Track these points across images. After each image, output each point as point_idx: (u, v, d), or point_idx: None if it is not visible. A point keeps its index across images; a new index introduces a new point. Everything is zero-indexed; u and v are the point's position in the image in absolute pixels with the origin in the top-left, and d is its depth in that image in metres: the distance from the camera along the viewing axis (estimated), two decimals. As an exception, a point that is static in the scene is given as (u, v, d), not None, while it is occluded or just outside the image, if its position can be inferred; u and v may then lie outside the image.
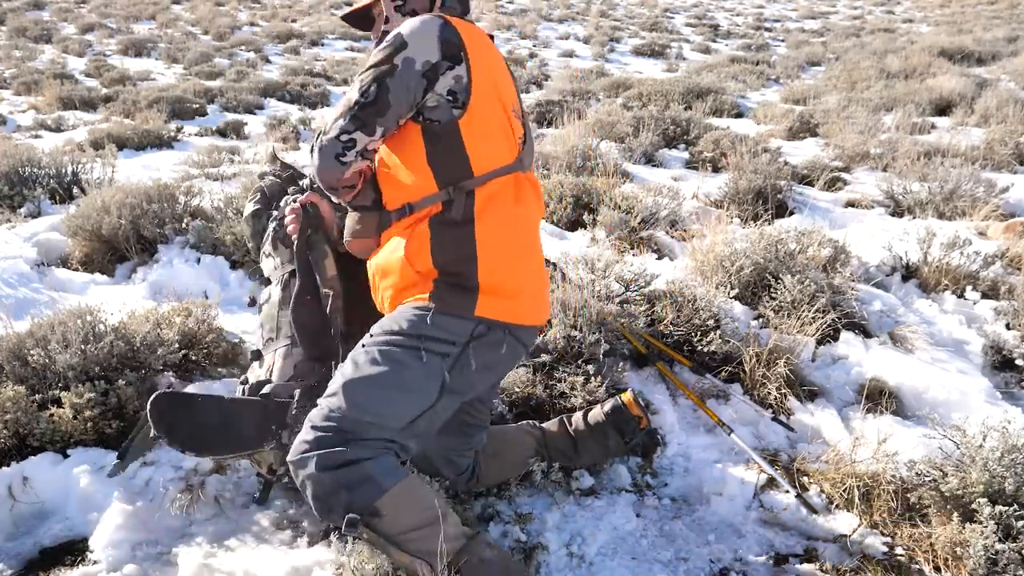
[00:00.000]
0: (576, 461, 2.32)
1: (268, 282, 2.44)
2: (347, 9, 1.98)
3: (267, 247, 2.45)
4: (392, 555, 1.70)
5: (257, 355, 2.26)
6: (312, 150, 1.81)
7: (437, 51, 1.71)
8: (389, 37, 1.75)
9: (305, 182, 2.58)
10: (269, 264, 2.43)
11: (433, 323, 1.75)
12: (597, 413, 2.34)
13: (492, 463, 2.21)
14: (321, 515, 1.70)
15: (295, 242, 2.16)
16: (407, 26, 1.74)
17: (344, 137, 1.75)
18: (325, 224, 2.16)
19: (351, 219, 1.91)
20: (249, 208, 2.62)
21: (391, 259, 1.83)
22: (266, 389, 2.14)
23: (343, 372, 1.79)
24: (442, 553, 1.66)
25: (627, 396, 2.36)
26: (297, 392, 2.09)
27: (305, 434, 1.72)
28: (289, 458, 1.72)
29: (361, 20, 2.02)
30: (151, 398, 1.99)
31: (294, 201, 2.19)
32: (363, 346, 1.81)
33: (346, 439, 1.69)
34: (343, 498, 1.65)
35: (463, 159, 1.77)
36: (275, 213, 2.51)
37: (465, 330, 1.77)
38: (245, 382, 2.24)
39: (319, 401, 1.78)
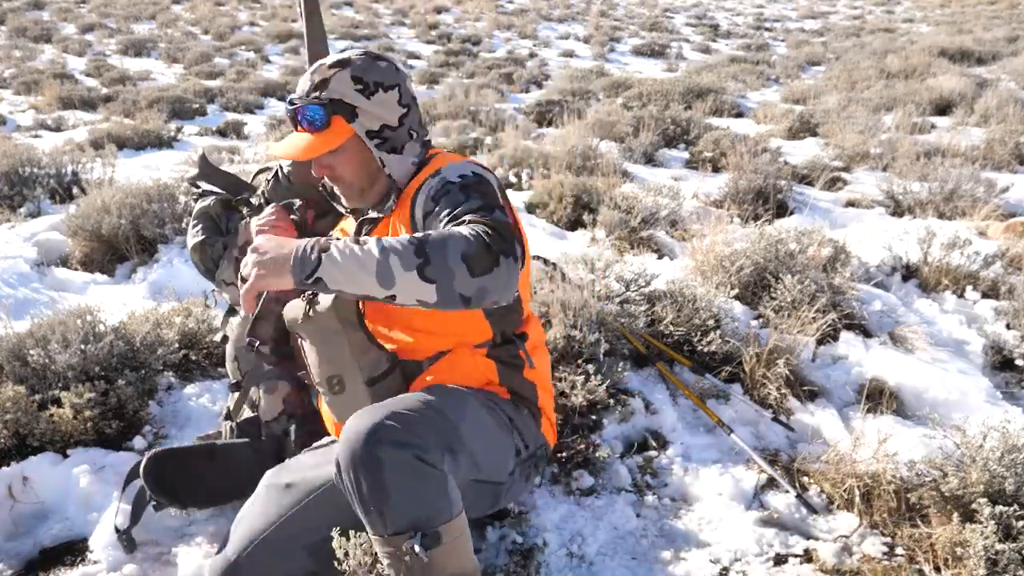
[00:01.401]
0: None
1: (233, 311, 2.34)
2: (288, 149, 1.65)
3: (226, 275, 2.26)
4: None
5: (236, 387, 2.12)
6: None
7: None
8: (463, 178, 1.55)
9: (256, 199, 2.29)
10: (233, 293, 2.26)
11: (522, 419, 1.77)
12: None
13: None
14: (374, 508, 1.41)
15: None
16: (468, 166, 1.61)
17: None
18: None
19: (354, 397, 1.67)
20: (194, 238, 2.33)
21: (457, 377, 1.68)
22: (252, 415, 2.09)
23: (458, 401, 1.60)
24: None
25: None
26: (292, 428, 2.04)
27: (389, 410, 1.46)
28: (359, 427, 1.43)
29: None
30: (143, 467, 1.91)
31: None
32: (456, 394, 1.63)
33: (440, 444, 1.47)
34: (412, 504, 1.41)
35: (519, 306, 1.78)
36: (228, 238, 2.30)
37: (535, 441, 1.82)
38: (229, 417, 2.17)
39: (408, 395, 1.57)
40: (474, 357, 1.73)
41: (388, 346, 1.71)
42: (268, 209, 2.02)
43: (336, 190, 1.75)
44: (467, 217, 1.44)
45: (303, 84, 1.64)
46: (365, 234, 1.76)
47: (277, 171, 2.24)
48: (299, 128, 1.64)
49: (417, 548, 1.39)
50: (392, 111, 1.65)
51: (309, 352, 1.72)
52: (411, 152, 1.71)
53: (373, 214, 1.76)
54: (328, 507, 1.68)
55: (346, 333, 1.64)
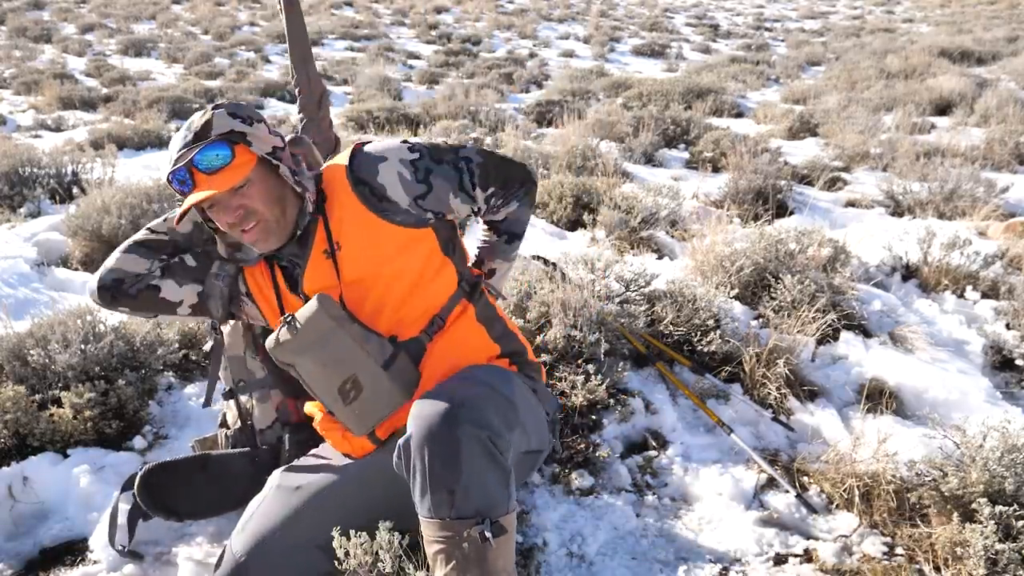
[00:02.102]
0: None
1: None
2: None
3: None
4: None
5: (230, 394, 2.11)
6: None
7: None
8: (410, 157, 1.72)
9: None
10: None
11: (539, 387, 1.86)
12: None
13: None
14: (444, 487, 1.40)
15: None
16: (386, 144, 1.74)
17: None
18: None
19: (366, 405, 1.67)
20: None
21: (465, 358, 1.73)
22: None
23: (505, 375, 1.65)
24: None
25: None
26: (286, 435, 2.03)
27: (457, 392, 1.50)
28: (435, 405, 1.46)
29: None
30: (136, 484, 1.91)
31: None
32: (500, 370, 1.70)
33: (506, 425, 1.51)
34: (481, 489, 1.41)
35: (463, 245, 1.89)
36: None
37: (553, 405, 1.91)
38: (224, 424, 2.17)
39: (469, 382, 1.57)
40: (467, 324, 1.77)
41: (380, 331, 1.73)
42: None
43: (247, 237, 1.65)
44: (481, 177, 1.76)
45: (180, 142, 1.61)
46: (295, 272, 1.75)
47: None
48: (199, 179, 1.57)
49: (488, 533, 1.38)
50: (271, 137, 1.67)
51: (310, 371, 1.66)
52: (300, 174, 1.72)
53: (290, 250, 1.73)
54: (340, 507, 1.70)
55: (343, 327, 1.63)
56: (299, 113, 2.36)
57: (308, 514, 1.69)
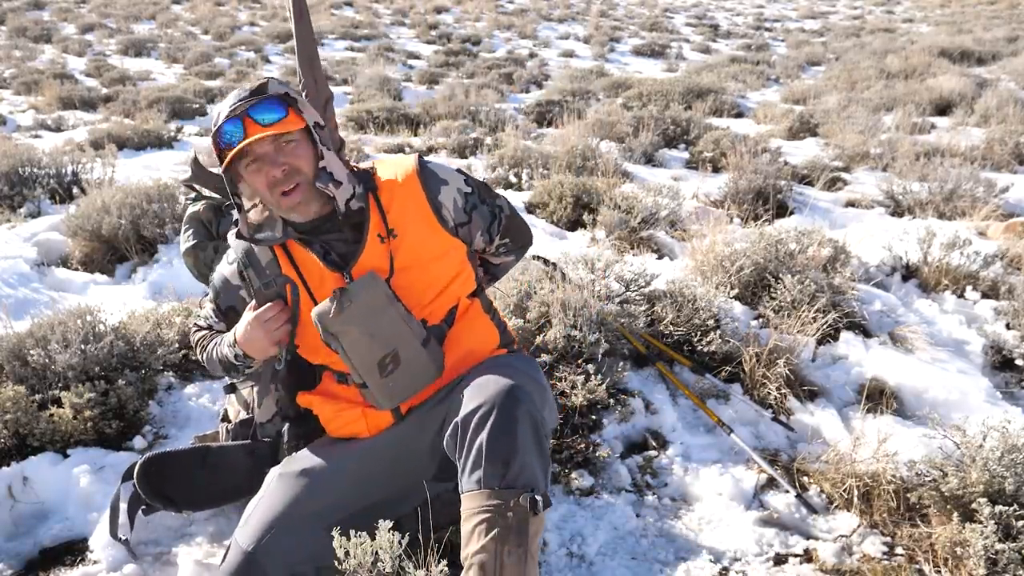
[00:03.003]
0: None
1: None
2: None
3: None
4: (519, 564, 1.47)
5: (231, 388, 2.14)
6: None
7: None
8: (465, 189, 1.85)
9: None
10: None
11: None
12: None
13: None
14: (500, 457, 1.49)
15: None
16: (448, 170, 1.87)
17: None
18: None
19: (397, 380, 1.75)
20: (186, 242, 2.39)
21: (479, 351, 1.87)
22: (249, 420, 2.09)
23: (534, 364, 1.83)
24: None
25: None
26: (285, 428, 2.04)
27: (515, 376, 1.62)
28: (502, 382, 1.58)
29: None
30: (136, 472, 1.93)
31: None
32: (529, 359, 1.89)
33: (548, 411, 1.69)
34: (531, 465, 1.51)
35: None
36: (219, 242, 2.33)
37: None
38: (226, 419, 2.18)
39: (513, 371, 1.66)
40: (476, 314, 1.89)
41: None
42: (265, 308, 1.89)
43: (288, 200, 1.67)
44: (505, 228, 1.95)
45: (235, 98, 1.65)
46: (330, 256, 1.77)
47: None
48: (250, 129, 1.61)
49: (539, 498, 1.47)
50: (317, 115, 1.75)
51: (357, 341, 1.70)
52: (332, 152, 1.77)
53: (333, 232, 1.77)
54: (344, 485, 1.75)
55: (393, 305, 1.72)
56: None
57: (312, 495, 1.73)
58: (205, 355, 1.95)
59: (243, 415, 2.12)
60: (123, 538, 1.97)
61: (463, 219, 1.84)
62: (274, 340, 1.78)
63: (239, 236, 1.78)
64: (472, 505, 1.50)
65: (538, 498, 1.48)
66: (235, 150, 1.60)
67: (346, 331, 1.70)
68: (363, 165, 1.87)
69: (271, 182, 1.64)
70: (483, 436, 1.52)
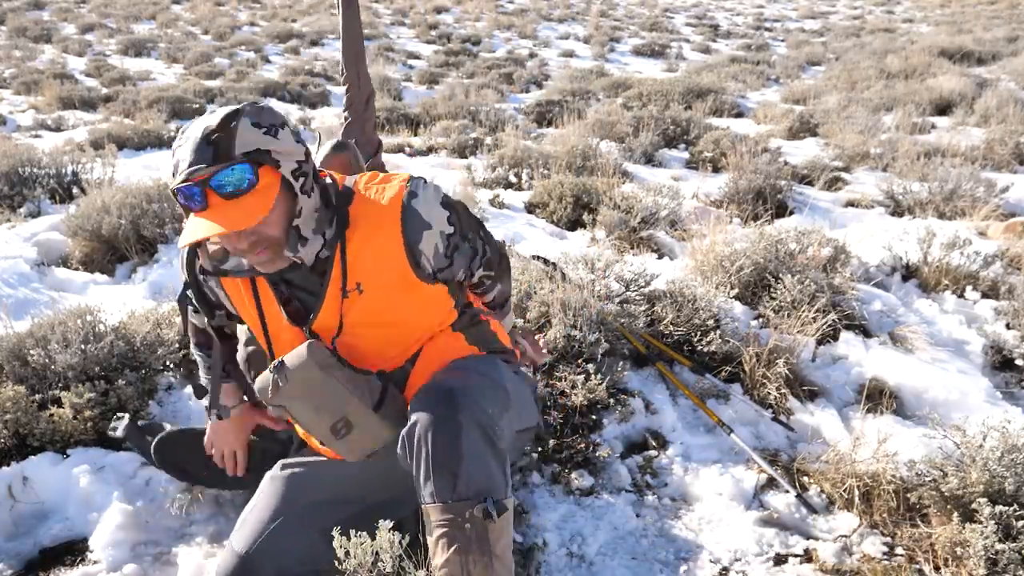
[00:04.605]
0: None
1: None
2: None
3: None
4: (481, 567, 1.45)
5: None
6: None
7: None
8: (447, 231, 1.65)
9: None
10: None
11: (522, 370, 1.90)
12: None
13: None
14: (447, 469, 1.44)
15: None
16: (434, 206, 1.64)
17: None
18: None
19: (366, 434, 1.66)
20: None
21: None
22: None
23: (491, 361, 1.70)
24: None
25: None
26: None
27: (453, 382, 1.54)
28: (436, 394, 1.51)
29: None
30: (153, 447, 2.02)
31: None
32: (485, 357, 1.74)
33: (500, 411, 1.56)
34: (481, 471, 1.45)
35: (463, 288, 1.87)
36: None
37: (531, 384, 1.94)
38: None
39: (470, 374, 1.60)
40: (443, 336, 1.75)
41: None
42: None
43: (253, 259, 1.52)
44: (487, 261, 1.82)
45: (193, 154, 1.39)
46: (294, 302, 1.68)
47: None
48: (213, 202, 1.39)
49: (491, 509, 1.42)
50: (298, 146, 1.51)
51: (300, 414, 1.64)
52: (317, 193, 1.57)
53: (298, 277, 1.63)
54: (336, 490, 1.74)
55: (331, 375, 1.59)
56: (344, 111, 2.32)
57: (305, 498, 1.71)
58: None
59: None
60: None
61: (443, 264, 1.68)
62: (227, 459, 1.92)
63: (202, 271, 1.66)
64: (431, 519, 1.47)
65: (491, 510, 1.42)
66: (201, 237, 1.39)
67: (287, 405, 1.63)
68: (349, 182, 1.67)
69: (237, 250, 1.50)
70: (428, 449, 1.45)
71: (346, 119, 2.27)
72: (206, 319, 1.85)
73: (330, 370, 1.59)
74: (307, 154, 1.53)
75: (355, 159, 1.91)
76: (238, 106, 1.45)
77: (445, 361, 1.71)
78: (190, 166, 1.39)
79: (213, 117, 1.42)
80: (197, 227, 1.40)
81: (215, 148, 1.39)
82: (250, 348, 1.92)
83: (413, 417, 1.50)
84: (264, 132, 1.43)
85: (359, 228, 1.59)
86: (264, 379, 1.61)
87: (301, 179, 1.50)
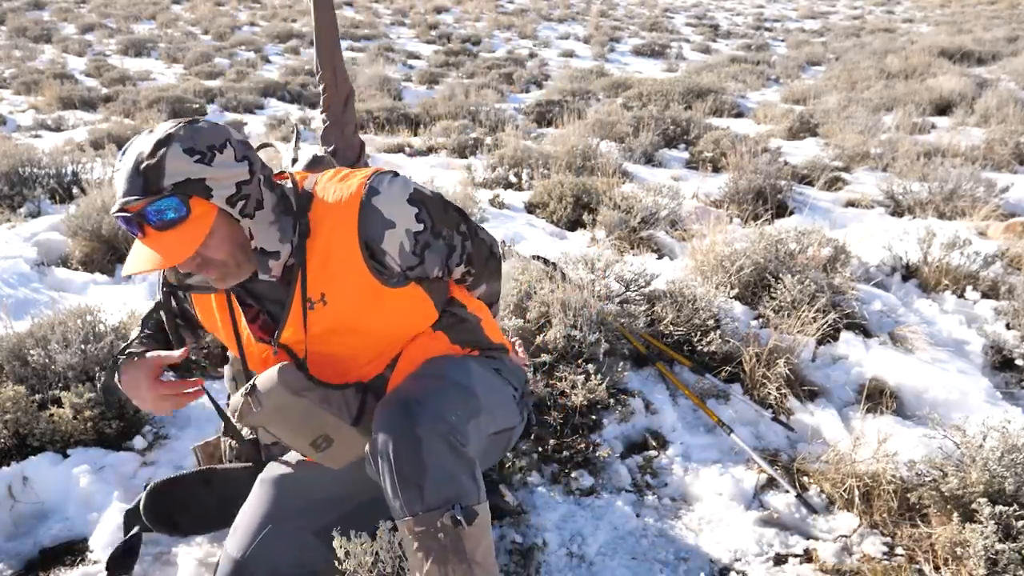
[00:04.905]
0: None
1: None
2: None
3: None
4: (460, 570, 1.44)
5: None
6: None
7: None
8: (415, 229, 1.59)
9: None
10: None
11: (502, 364, 1.81)
12: None
13: None
14: (413, 482, 1.42)
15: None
16: (399, 204, 1.58)
17: None
18: None
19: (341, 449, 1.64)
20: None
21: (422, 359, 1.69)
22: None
23: (460, 365, 1.65)
24: None
25: None
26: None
27: (413, 392, 1.51)
28: (393, 410, 1.48)
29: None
30: (142, 504, 1.89)
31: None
32: (455, 360, 1.68)
33: (465, 415, 1.52)
34: (448, 480, 1.43)
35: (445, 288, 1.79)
36: None
37: (519, 378, 1.86)
38: (227, 432, 2.11)
39: (427, 375, 1.58)
40: (424, 337, 1.72)
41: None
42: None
43: (206, 277, 1.52)
44: (467, 257, 1.74)
45: (127, 183, 1.38)
46: (262, 315, 1.66)
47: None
48: (148, 232, 1.40)
49: (459, 516, 1.40)
50: (237, 167, 1.45)
51: (278, 432, 1.62)
52: (271, 205, 1.53)
53: (266, 289, 1.62)
54: (328, 491, 1.71)
55: (305, 398, 1.56)
56: (322, 114, 2.25)
57: (296, 499, 1.70)
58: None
59: (247, 433, 2.10)
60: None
61: (413, 262, 1.61)
62: (149, 404, 1.64)
63: (166, 284, 1.67)
64: (405, 532, 1.46)
65: (459, 517, 1.40)
66: (136, 271, 1.41)
67: (265, 427, 1.61)
68: (308, 184, 1.63)
69: (186, 270, 1.52)
70: (391, 464, 1.44)
71: (324, 122, 2.20)
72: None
73: (303, 393, 1.56)
74: (252, 170, 1.48)
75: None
76: (172, 129, 1.41)
77: (426, 351, 1.69)
78: (124, 195, 1.38)
79: (147, 141, 1.39)
80: (138, 257, 1.41)
81: (144, 179, 1.37)
82: (236, 368, 1.88)
83: (374, 434, 1.47)
84: (197, 160, 1.40)
85: (319, 236, 1.55)
86: (236, 402, 1.58)
87: (240, 202, 1.46)
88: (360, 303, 1.58)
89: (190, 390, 1.67)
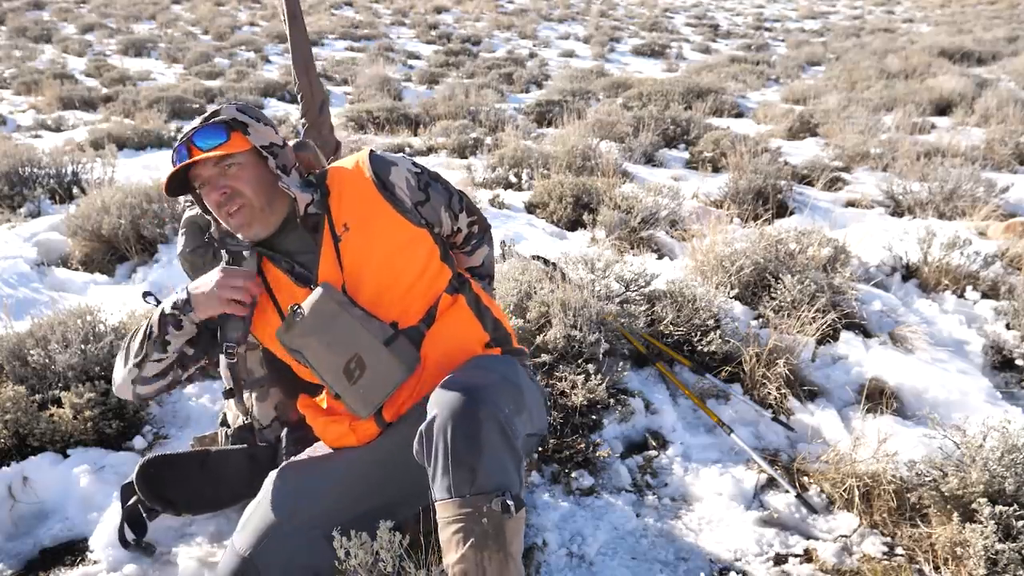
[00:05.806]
0: None
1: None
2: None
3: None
4: (499, 566, 1.45)
5: (230, 393, 2.07)
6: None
7: None
8: (414, 169, 1.88)
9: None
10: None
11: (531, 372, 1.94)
12: None
13: None
14: (466, 463, 1.45)
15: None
16: (397, 156, 1.89)
17: None
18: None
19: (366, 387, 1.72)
20: (183, 245, 2.26)
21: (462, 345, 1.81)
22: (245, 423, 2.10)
23: (509, 363, 1.73)
24: None
25: None
26: (284, 433, 2.04)
27: (474, 379, 1.57)
28: (456, 391, 1.53)
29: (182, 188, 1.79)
30: (136, 474, 1.93)
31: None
32: (502, 358, 1.79)
33: (517, 411, 1.59)
34: (499, 467, 1.47)
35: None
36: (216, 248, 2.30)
37: (542, 390, 1.96)
38: (224, 423, 2.18)
39: (481, 371, 1.63)
40: (459, 313, 1.85)
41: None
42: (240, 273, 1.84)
43: (233, 221, 1.73)
44: (468, 206, 1.99)
45: (191, 126, 1.74)
46: (296, 270, 1.79)
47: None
48: (193, 151, 1.70)
49: (509, 501, 1.43)
50: (275, 136, 1.79)
51: (317, 352, 1.72)
52: (296, 174, 1.83)
53: (292, 245, 1.81)
54: (339, 494, 1.73)
55: (345, 310, 1.71)
56: (301, 118, 2.43)
57: (309, 501, 1.71)
58: (130, 338, 1.82)
59: (242, 420, 2.12)
60: (134, 540, 1.98)
61: (420, 197, 1.85)
62: (224, 300, 1.73)
63: (209, 239, 1.87)
64: (446, 514, 1.47)
65: (510, 502, 1.44)
66: (175, 169, 1.70)
67: (304, 344, 1.72)
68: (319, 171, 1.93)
69: (215, 203, 1.73)
70: (447, 443, 1.47)
71: (303, 124, 2.44)
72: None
73: (344, 305, 1.72)
74: (284, 143, 1.81)
75: (316, 158, 2.04)
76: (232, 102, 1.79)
77: (459, 337, 1.82)
78: (183, 135, 1.73)
79: (213, 107, 1.79)
80: (179, 163, 1.71)
81: (202, 120, 1.74)
82: (232, 360, 1.89)
83: (432, 412, 1.53)
84: (245, 115, 1.76)
85: (336, 186, 1.83)
86: (283, 323, 1.74)
87: (274, 155, 1.76)
88: (381, 227, 1.77)
89: (254, 292, 1.78)
